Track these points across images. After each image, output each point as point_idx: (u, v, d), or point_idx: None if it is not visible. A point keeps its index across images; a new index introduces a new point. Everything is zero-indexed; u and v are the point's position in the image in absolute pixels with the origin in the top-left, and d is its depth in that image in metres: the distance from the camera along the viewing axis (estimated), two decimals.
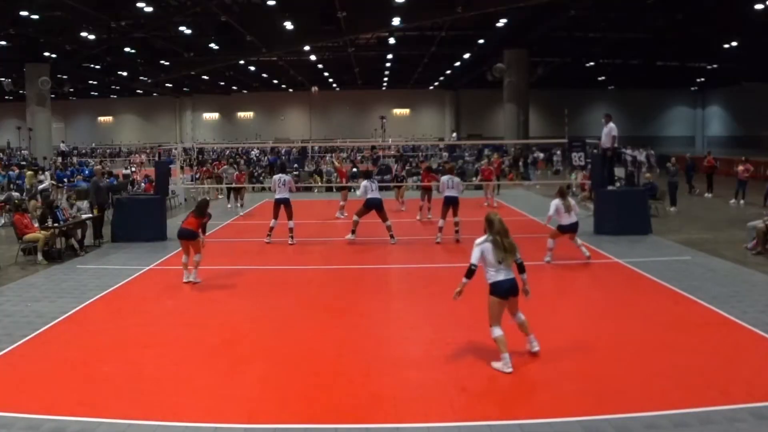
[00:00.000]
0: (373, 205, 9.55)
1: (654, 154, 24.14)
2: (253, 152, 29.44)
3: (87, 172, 19.34)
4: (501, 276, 4.45)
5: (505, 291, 4.46)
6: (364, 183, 9.85)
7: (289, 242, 9.71)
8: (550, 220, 8.17)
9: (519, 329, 4.70)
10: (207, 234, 10.99)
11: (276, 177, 10.13)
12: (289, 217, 9.69)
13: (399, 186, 14.38)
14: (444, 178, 9.73)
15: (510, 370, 4.41)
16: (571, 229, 7.96)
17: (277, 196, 9.77)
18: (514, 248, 4.51)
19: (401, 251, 9.31)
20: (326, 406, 3.95)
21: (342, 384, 4.28)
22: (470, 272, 4.47)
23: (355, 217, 9.75)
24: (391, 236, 9.71)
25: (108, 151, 41.67)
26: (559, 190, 8.06)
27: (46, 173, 18.27)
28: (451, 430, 3.62)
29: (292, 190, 9.95)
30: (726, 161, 22.25)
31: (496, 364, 4.50)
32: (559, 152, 25.10)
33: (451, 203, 9.43)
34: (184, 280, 7.20)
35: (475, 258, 4.47)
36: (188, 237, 7.09)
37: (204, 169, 19.67)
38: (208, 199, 7.79)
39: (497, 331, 4.46)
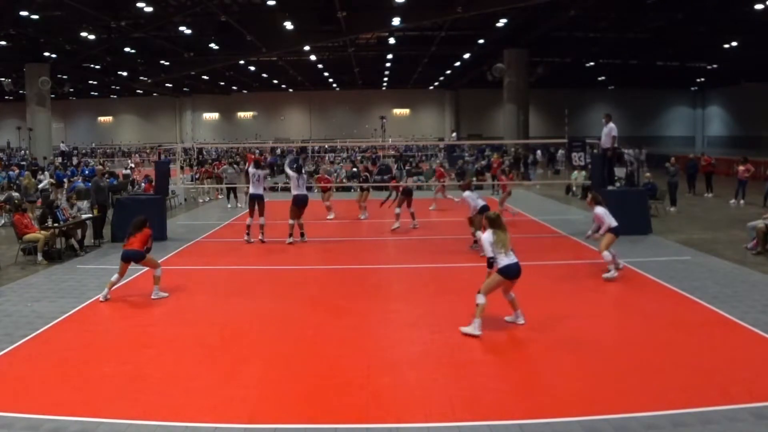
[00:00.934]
0: (300, 203, 9.41)
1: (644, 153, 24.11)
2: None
3: (87, 172, 19.34)
4: (510, 260, 5.18)
5: (514, 273, 5.18)
6: (293, 175, 9.52)
7: (260, 239, 9.47)
8: (605, 230, 7.11)
9: (509, 305, 5.41)
10: (207, 233, 11.09)
11: (251, 171, 9.54)
12: (261, 214, 9.41)
13: (363, 189, 12.82)
14: (467, 194, 8.90)
15: (480, 333, 5.07)
16: (620, 231, 7.17)
17: (252, 191, 9.45)
18: (508, 238, 5.31)
19: (400, 252, 9.31)
20: (326, 406, 3.95)
21: (342, 384, 4.28)
22: (490, 264, 5.26)
23: (291, 221, 9.46)
24: (302, 234, 9.52)
25: (108, 151, 41.66)
26: (593, 198, 7.39)
27: (45, 173, 18.29)
28: (451, 430, 3.62)
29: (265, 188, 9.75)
30: (726, 161, 22.24)
31: (466, 329, 5.12)
32: (562, 152, 25.02)
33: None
34: (101, 299, 6.42)
35: (488, 252, 5.22)
36: (134, 258, 6.49)
37: (203, 169, 19.68)
38: (144, 217, 6.92)
39: (483, 299, 5.13)
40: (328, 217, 12.30)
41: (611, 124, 10.59)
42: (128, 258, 6.53)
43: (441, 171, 15.60)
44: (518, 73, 27.77)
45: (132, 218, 8.57)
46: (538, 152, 27.14)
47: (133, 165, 24.58)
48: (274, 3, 19.44)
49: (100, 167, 14.92)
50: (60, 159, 27.44)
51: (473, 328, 5.08)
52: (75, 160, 27.60)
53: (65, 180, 17.80)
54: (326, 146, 33.99)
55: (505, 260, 5.17)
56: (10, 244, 9.48)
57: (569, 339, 5.20)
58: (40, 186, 14.57)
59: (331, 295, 6.82)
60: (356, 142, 34.46)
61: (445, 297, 6.53)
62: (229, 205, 15.06)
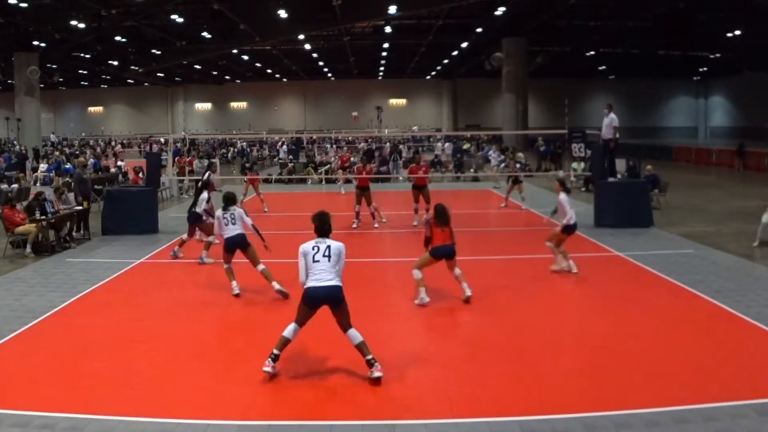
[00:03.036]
0: (194, 220, 8.37)
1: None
2: (241, 144, 29.12)
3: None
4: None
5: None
6: (203, 196, 8.47)
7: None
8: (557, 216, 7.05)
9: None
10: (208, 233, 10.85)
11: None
12: (207, 234, 8.35)
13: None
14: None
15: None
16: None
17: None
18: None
19: (398, 246, 9.21)
20: (322, 403, 3.88)
21: (339, 380, 4.21)
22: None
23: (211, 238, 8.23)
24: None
25: (100, 143, 41.14)
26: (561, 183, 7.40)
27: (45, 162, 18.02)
28: (449, 427, 3.55)
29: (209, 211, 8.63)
30: (728, 152, 22.09)
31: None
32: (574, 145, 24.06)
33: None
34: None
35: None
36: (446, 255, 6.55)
37: (188, 159, 19.33)
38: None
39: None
40: (264, 210, 12.27)
41: (612, 115, 10.44)
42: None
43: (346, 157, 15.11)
44: (517, 62, 27.54)
45: (122, 210, 8.20)
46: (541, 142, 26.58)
47: (112, 157, 24.23)
48: None
49: (82, 159, 14.65)
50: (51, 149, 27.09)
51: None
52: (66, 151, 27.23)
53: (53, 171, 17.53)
54: (322, 137, 33.75)
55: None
56: None
57: (569, 334, 5.14)
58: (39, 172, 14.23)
59: None
60: (351, 132, 34.20)
61: (445, 294, 6.42)
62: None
